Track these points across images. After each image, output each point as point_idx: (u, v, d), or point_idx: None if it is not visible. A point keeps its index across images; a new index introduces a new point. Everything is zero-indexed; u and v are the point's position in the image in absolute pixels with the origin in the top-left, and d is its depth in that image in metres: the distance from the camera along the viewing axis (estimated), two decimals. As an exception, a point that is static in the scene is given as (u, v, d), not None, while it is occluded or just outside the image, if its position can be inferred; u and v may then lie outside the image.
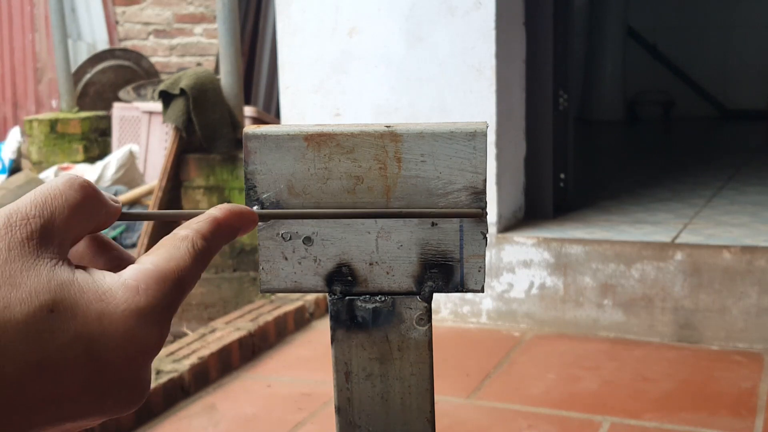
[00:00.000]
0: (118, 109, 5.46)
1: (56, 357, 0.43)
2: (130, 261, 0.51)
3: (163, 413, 2.52)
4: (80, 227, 0.47)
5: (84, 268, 0.46)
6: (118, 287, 0.45)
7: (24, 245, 0.44)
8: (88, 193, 0.47)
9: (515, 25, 3.32)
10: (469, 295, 3.23)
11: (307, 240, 0.64)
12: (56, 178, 0.47)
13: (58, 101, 5.99)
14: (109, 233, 4.17)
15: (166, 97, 3.84)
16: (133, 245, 4.06)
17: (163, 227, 3.83)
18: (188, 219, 0.53)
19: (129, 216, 0.54)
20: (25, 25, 6.77)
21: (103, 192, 0.49)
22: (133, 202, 4.32)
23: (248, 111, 4.46)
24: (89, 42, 6.78)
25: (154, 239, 3.76)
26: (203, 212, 0.53)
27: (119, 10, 6.77)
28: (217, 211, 0.52)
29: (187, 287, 0.48)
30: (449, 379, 2.69)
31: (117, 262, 0.51)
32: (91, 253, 0.51)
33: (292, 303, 3.23)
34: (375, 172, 0.63)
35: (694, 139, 6.44)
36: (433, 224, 0.63)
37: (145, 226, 3.84)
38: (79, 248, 0.51)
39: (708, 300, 2.94)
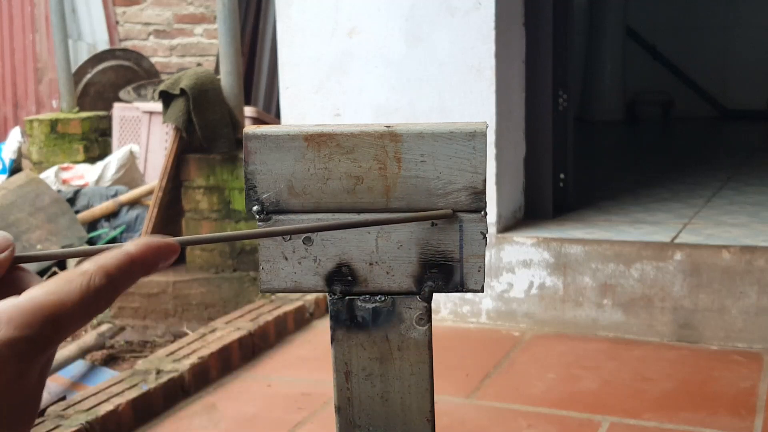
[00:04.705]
0: (118, 109, 5.46)
1: None
2: None
3: (163, 413, 2.52)
4: None
5: None
6: None
7: None
8: None
9: (515, 25, 3.32)
10: (468, 295, 3.23)
11: (307, 240, 0.64)
12: None
13: (59, 101, 5.99)
14: (109, 233, 4.17)
15: (166, 98, 3.84)
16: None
17: (165, 226, 3.83)
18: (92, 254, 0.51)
19: (23, 259, 0.52)
20: (26, 25, 6.77)
21: None
22: (134, 202, 4.32)
23: (248, 111, 4.46)
24: (90, 42, 6.78)
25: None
26: (111, 249, 0.51)
27: (119, 10, 6.77)
28: (133, 246, 0.51)
29: (67, 323, 0.47)
30: (449, 379, 2.69)
31: None
32: (15, 287, 0.50)
33: (292, 303, 3.23)
34: (375, 172, 0.63)
35: (693, 139, 6.44)
36: (433, 224, 0.63)
37: (146, 227, 3.84)
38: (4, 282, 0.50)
39: (707, 300, 2.95)
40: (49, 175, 4.81)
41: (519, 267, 3.18)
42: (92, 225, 4.23)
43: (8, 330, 0.45)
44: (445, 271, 0.64)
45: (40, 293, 0.46)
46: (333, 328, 0.66)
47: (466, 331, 3.18)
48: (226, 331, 2.94)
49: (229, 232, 0.62)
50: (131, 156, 4.92)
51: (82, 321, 0.48)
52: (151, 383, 2.52)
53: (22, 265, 0.52)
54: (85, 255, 0.53)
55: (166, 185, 3.80)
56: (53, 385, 3.11)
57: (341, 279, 0.65)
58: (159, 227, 3.81)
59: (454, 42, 3.18)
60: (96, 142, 5.56)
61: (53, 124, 5.48)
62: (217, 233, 0.60)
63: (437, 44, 3.20)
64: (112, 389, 2.48)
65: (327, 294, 0.65)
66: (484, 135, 0.62)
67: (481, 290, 0.64)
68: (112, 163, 4.85)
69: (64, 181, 4.84)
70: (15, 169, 5.35)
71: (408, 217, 0.63)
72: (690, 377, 2.69)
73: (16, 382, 0.45)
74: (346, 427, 0.67)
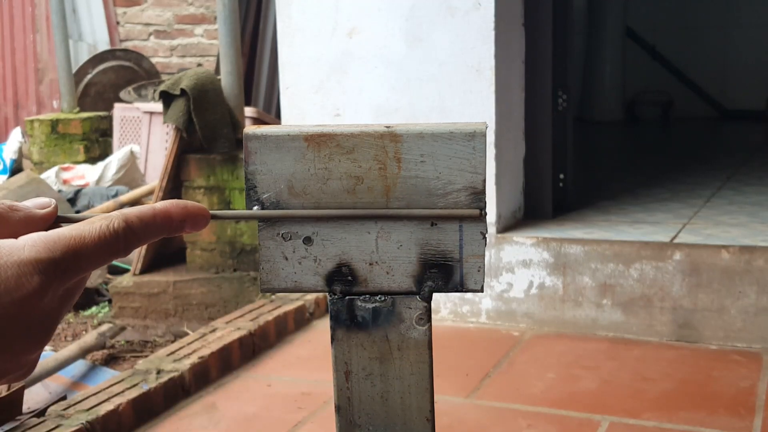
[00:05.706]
0: (118, 110, 5.46)
1: None
2: None
3: (163, 412, 2.52)
4: None
5: None
6: (6, 245, 0.51)
7: None
8: None
9: (515, 26, 3.33)
10: (468, 295, 3.23)
11: (307, 240, 0.64)
12: None
13: (59, 102, 5.99)
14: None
15: (166, 98, 3.84)
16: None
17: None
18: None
19: (64, 219, 0.58)
20: (27, 25, 6.77)
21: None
22: (134, 203, 4.32)
23: (248, 111, 4.47)
24: (90, 42, 6.79)
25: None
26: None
27: (120, 10, 6.77)
28: (161, 203, 0.56)
29: (85, 257, 0.52)
30: (449, 379, 2.69)
31: None
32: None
33: (292, 303, 3.23)
34: (375, 172, 0.63)
35: (693, 140, 6.44)
36: (432, 224, 0.64)
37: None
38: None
39: (707, 300, 2.95)
40: (49, 176, 4.81)
41: (519, 267, 3.19)
42: (92, 225, 4.22)
43: (32, 251, 0.51)
44: (445, 271, 0.64)
45: (64, 229, 0.53)
46: (333, 328, 0.66)
47: (465, 331, 3.19)
48: (227, 330, 2.94)
49: (260, 211, 0.64)
50: (132, 156, 4.92)
51: (100, 258, 0.53)
52: (152, 383, 2.52)
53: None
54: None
55: (166, 185, 3.80)
56: (53, 384, 3.12)
57: (341, 279, 0.65)
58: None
59: (454, 42, 3.18)
60: (96, 143, 5.56)
61: (54, 124, 5.48)
62: (248, 210, 0.63)
63: (437, 44, 3.21)
64: (113, 389, 2.48)
65: (327, 294, 0.66)
66: (484, 135, 0.63)
67: (481, 290, 0.65)
68: (112, 163, 4.86)
69: (65, 181, 4.84)
70: (16, 169, 5.36)
71: (431, 214, 0.63)
72: (689, 377, 2.70)
73: (36, 298, 0.51)
74: (346, 427, 0.68)
